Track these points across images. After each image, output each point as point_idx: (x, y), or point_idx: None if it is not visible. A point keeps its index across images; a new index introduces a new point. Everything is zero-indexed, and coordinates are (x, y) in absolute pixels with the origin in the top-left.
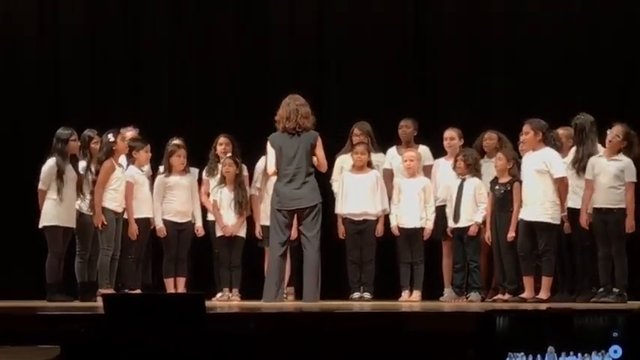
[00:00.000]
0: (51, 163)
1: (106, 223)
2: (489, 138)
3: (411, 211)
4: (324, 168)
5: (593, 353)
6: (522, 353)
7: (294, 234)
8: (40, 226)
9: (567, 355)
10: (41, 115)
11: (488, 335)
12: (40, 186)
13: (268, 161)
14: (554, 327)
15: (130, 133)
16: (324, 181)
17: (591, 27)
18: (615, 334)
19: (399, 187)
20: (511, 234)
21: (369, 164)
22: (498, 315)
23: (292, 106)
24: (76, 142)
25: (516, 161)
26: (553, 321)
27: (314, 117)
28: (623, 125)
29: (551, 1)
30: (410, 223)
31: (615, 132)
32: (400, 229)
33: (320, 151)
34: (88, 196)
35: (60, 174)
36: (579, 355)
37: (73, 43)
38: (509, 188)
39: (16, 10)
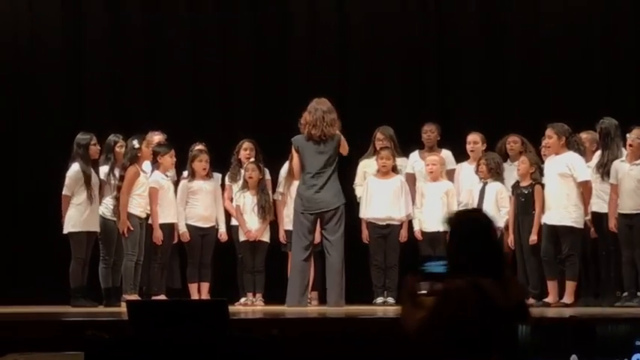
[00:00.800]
0: (75, 168)
1: (132, 228)
2: (513, 142)
3: (434, 215)
4: (345, 151)
5: None
6: None
7: (317, 238)
8: (65, 231)
9: None
10: (64, 121)
11: (511, 343)
12: (65, 192)
13: (294, 165)
14: (577, 335)
15: (157, 137)
16: (347, 185)
17: (611, 29)
18: (638, 343)
19: (422, 192)
20: (533, 237)
21: (394, 169)
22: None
23: (319, 113)
24: (96, 147)
25: (539, 166)
26: (576, 329)
27: (339, 122)
28: None
29: (571, 4)
30: (433, 227)
31: (635, 135)
32: (423, 233)
33: (344, 147)
34: (111, 201)
35: (87, 179)
36: None
37: (95, 49)
38: (531, 192)
39: (40, 17)
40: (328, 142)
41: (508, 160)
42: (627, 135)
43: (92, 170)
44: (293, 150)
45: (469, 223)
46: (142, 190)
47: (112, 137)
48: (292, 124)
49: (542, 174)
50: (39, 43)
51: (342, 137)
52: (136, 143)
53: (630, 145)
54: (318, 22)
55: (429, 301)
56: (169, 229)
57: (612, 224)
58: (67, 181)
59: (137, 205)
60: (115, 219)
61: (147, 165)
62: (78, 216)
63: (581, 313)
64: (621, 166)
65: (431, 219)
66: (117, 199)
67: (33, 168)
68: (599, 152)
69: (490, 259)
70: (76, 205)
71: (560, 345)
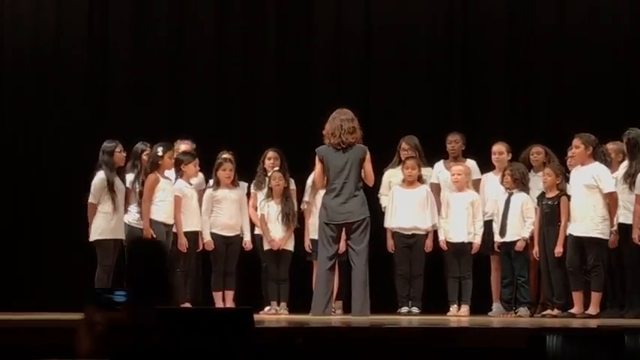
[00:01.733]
0: (101, 176)
1: (155, 235)
2: (537, 152)
3: (459, 226)
4: (371, 182)
5: None
6: None
7: (342, 248)
8: (92, 239)
9: None
10: (89, 129)
11: (539, 355)
12: (91, 199)
13: (316, 174)
14: (606, 346)
15: (184, 146)
16: (372, 195)
17: (638, 38)
18: None
19: (447, 202)
20: (559, 249)
21: (420, 179)
22: (549, 334)
23: (337, 122)
24: (122, 154)
25: (564, 175)
26: (604, 340)
27: (361, 131)
28: None
29: (597, 14)
30: (458, 237)
31: None
32: (448, 244)
33: (368, 165)
34: (136, 208)
35: (110, 186)
36: None
37: (120, 58)
38: (556, 203)
39: (65, 26)
40: (350, 151)
41: (532, 171)
42: None
43: (117, 178)
44: (317, 160)
45: (139, 254)
46: (164, 195)
47: (139, 145)
48: (317, 133)
49: (567, 184)
50: (64, 51)
51: (369, 154)
52: (160, 150)
53: None
54: (343, 31)
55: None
56: (193, 237)
57: (636, 235)
58: (92, 189)
59: (161, 212)
60: (140, 226)
61: (171, 173)
62: (105, 224)
63: (607, 324)
64: None
65: (456, 229)
66: (139, 205)
67: (57, 176)
68: (625, 163)
69: (155, 288)
70: (102, 213)
71: (590, 356)
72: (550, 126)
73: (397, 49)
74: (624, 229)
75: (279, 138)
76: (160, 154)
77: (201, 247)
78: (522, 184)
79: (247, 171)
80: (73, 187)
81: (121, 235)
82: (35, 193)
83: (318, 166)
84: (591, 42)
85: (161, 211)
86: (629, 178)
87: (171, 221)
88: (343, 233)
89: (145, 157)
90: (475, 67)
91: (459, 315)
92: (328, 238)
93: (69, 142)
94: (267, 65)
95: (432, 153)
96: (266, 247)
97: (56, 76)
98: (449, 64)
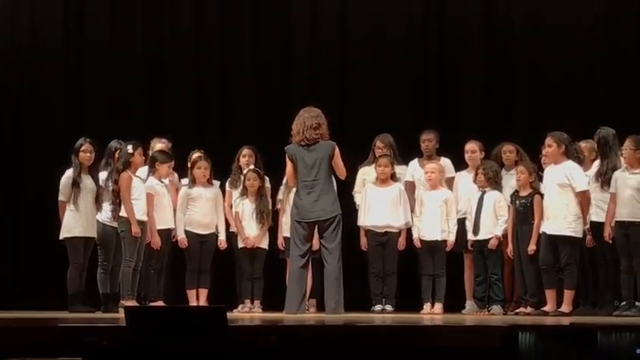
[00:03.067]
0: (68, 174)
1: (138, 232)
2: (509, 151)
3: (433, 224)
4: (343, 175)
5: None
6: None
7: (315, 245)
8: (61, 237)
9: None
10: (66, 126)
11: (512, 351)
12: (60, 197)
13: (287, 172)
14: (578, 343)
15: (160, 144)
16: (345, 192)
17: (612, 40)
18: (639, 351)
19: (421, 200)
20: (532, 247)
21: (393, 177)
22: (522, 331)
23: (301, 119)
24: (86, 154)
25: (537, 173)
26: (577, 337)
27: (326, 127)
28: (632, 137)
29: (573, 15)
30: (432, 235)
31: (627, 145)
32: (422, 242)
33: (338, 159)
34: (110, 207)
35: (75, 184)
36: None
37: (96, 56)
38: (530, 201)
39: (41, 23)
40: (319, 148)
41: (503, 169)
42: (622, 148)
43: (88, 175)
44: (287, 158)
45: None
46: (137, 194)
47: (113, 143)
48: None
49: (540, 182)
50: (39, 48)
51: (337, 150)
52: (130, 148)
53: (625, 157)
54: (320, 30)
55: None
56: (165, 234)
57: (607, 233)
58: (60, 186)
59: (135, 210)
60: (113, 225)
61: (143, 170)
62: (72, 221)
63: (580, 322)
64: (620, 176)
65: (430, 227)
66: (114, 204)
67: (34, 173)
68: (598, 161)
69: None
70: (70, 211)
71: (562, 353)
72: (525, 125)
73: (373, 47)
74: (596, 228)
75: (255, 136)
76: (131, 151)
77: (173, 241)
78: (495, 183)
79: (222, 169)
80: (47, 185)
81: (93, 234)
82: (10, 191)
83: (288, 165)
84: (566, 41)
85: (135, 209)
86: (601, 177)
87: (145, 218)
88: (316, 231)
89: (117, 155)
90: (451, 65)
91: (432, 313)
92: (300, 236)
93: (48, 140)
94: (243, 63)
95: (407, 151)
96: (240, 244)
97: (34, 75)
98: (425, 62)
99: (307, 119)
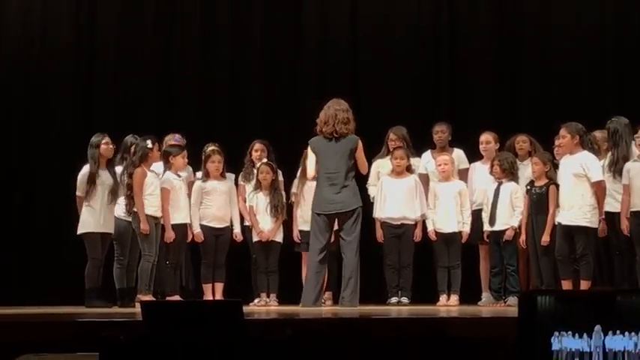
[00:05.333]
0: (85, 169)
1: (146, 229)
2: (522, 141)
3: (448, 215)
4: (364, 170)
5: None
6: (570, 332)
7: (332, 238)
8: (79, 232)
9: (614, 334)
10: (76, 122)
11: (532, 314)
12: (78, 192)
13: (308, 165)
14: (599, 307)
15: (174, 141)
16: (361, 185)
17: (623, 29)
18: None
19: (435, 192)
20: (545, 238)
21: (409, 168)
22: (540, 295)
23: (331, 111)
24: (109, 146)
25: (552, 163)
26: (596, 300)
27: (354, 123)
28: None
29: (584, 4)
30: (446, 227)
31: None
32: (437, 234)
33: (361, 154)
34: (124, 201)
35: (92, 179)
36: (626, 334)
37: (107, 53)
38: (545, 191)
39: (52, 22)
40: (343, 141)
41: (517, 160)
42: (636, 136)
43: (106, 170)
44: (309, 151)
45: None
46: (152, 189)
47: (129, 138)
48: (304, 124)
49: (555, 172)
50: (51, 46)
51: (361, 144)
52: (149, 143)
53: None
54: (331, 22)
55: None
56: (182, 229)
57: (624, 226)
58: (78, 182)
59: (150, 205)
60: (128, 219)
61: (159, 166)
62: (90, 217)
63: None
64: (633, 165)
65: (445, 219)
66: (128, 198)
67: (47, 169)
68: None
69: None
70: (87, 207)
71: (582, 316)
72: (537, 115)
73: (384, 40)
74: (610, 218)
75: (267, 129)
76: (150, 146)
77: (190, 239)
78: (511, 174)
79: (235, 162)
80: (64, 181)
81: (110, 229)
82: (25, 187)
83: (311, 157)
84: (577, 31)
85: (149, 204)
86: (613, 167)
87: (159, 214)
88: (335, 224)
89: (133, 150)
90: (462, 57)
91: (448, 305)
92: (320, 228)
93: (59, 137)
94: (254, 57)
95: (420, 144)
96: (255, 238)
97: (44, 70)
98: (436, 54)
99: (339, 112)
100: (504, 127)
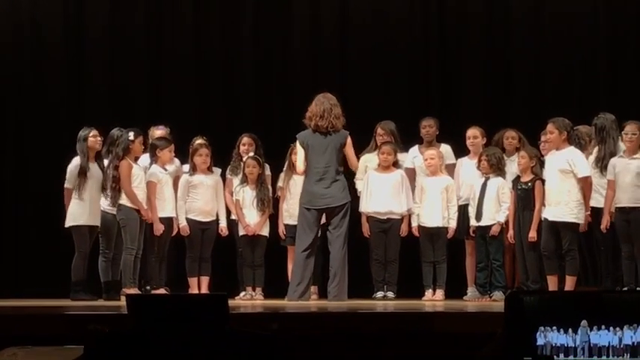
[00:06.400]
0: (75, 162)
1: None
2: (511, 137)
3: (434, 210)
4: (354, 166)
5: (625, 327)
6: (555, 327)
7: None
8: (67, 225)
9: (599, 329)
10: (68, 115)
11: (518, 311)
12: (66, 185)
13: (297, 159)
14: (585, 303)
15: (159, 132)
16: (348, 180)
17: (612, 25)
18: None
19: (422, 187)
20: (532, 234)
21: (395, 163)
22: (525, 295)
23: (326, 105)
24: (96, 139)
25: (538, 159)
26: (582, 299)
27: (344, 118)
28: (636, 122)
29: (573, 0)
30: (432, 222)
31: (631, 130)
32: (422, 228)
33: (350, 149)
34: (110, 194)
35: (82, 172)
36: (611, 329)
37: (97, 45)
38: (531, 187)
39: (41, 11)
40: (334, 136)
41: (505, 155)
42: (623, 132)
43: (95, 163)
44: (298, 146)
45: None
46: (137, 182)
47: (115, 131)
48: (294, 119)
49: (542, 167)
50: (40, 37)
51: (350, 139)
52: (131, 135)
53: (627, 141)
54: (320, 17)
55: None
56: (167, 222)
57: (605, 221)
58: (67, 174)
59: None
60: (114, 212)
61: (145, 158)
62: (79, 209)
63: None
64: (619, 161)
65: (431, 214)
66: (114, 190)
67: (34, 162)
68: (597, 147)
69: None
70: (76, 199)
71: (568, 312)
72: (523, 111)
73: (374, 34)
74: (596, 213)
75: (255, 123)
76: (132, 138)
77: (175, 232)
78: (499, 169)
79: (222, 156)
80: (49, 174)
81: (97, 222)
82: (11, 180)
83: (300, 152)
84: (566, 26)
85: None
86: (600, 163)
87: (144, 207)
88: (323, 219)
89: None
90: (451, 52)
91: (434, 299)
92: (309, 223)
93: (48, 128)
94: (244, 51)
95: (408, 139)
96: (241, 232)
97: (33, 62)
98: (425, 49)
99: (334, 107)
100: (492, 122)
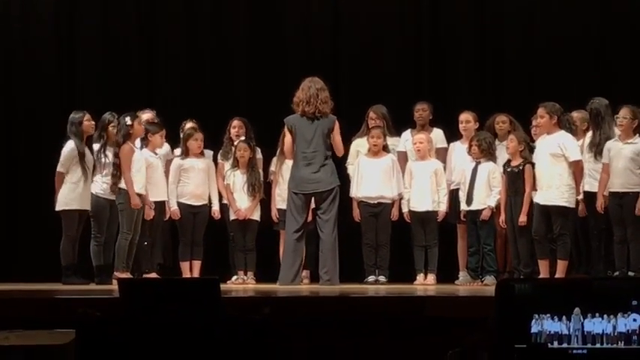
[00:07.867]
0: (71, 145)
1: (138, 204)
2: (502, 121)
3: (424, 195)
4: (340, 152)
5: (619, 315)
6: (548, 315)
7: (309, 217)
8: (58, 209)
9: (593, 316)
10: (57, 99)
11: (509, 298)
12: (59, 168)
13: (285, 143)
14: (576, 291)
15: (146, 115)
16: (339, 164)
17: (605, 9)
18: (635, 303)
19: (411, 171)
20: (522, 218)
21: (385, 148)
22: (516, 283)
23: (312, 90)
24: (90, 122)
25: (527, 144)
26: (573, 286)
27: (332, 102)
28: (628, 107)
29: None
30: (422, 206)
31: (622, 114)
32: (413, 213)
33: (337, 135)
34: (102, 179)
35: (81, 156)
36: (605, 316)
37: (88, 27)
38: (521, 170)
39: None
40: (322, 121)
41: (496, 140)
42: (616, 116)
43: (87, 148)
44: (286, 130)
45: None
46: (138, 166)
47: (106, 115)
48: (286, 103)
49: (531, 152)
50: (30, 19)
51: (337, 125)
52: (128, 120)
53: (621, 125)
54: (313, 2)
55: None
56: (159, 207)
57: (599, 204)
58: (61, 158)
59: (136, 182)
60: (107, 197)
61: (137, 142)
62: (71, 193)
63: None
64: (614, 145)
65: (421, 198)
66: (114, 176)
67: (26, 147)
68: (590, 132)
69: None
70: (70, 183)
71: (561, 299)
72: (517, 95)
73: (367, 19)
74: (589, 198)
75: (247, 107)
76: (129, 122)
77: (167, 217)
78: (489, 154)
79: (213, 140)
80: (39, 158)
81: (87, 206)
82: (6, 164)
83: (287, 136)
84: (559, 10)
85: (135, 181)
86: (594, 147)
87: (144, 192)
88: (312, 203)
89: (110, 128)
90: (444, 36)
91: (425, 284)
92: (297, 207)
93: (37, 111)
94: (236, 34)
95: (401, 123)
96: (232, 217)
97: (25, 47)
98: (418, 33)
99: (321, 92)
100: (485, 107)
